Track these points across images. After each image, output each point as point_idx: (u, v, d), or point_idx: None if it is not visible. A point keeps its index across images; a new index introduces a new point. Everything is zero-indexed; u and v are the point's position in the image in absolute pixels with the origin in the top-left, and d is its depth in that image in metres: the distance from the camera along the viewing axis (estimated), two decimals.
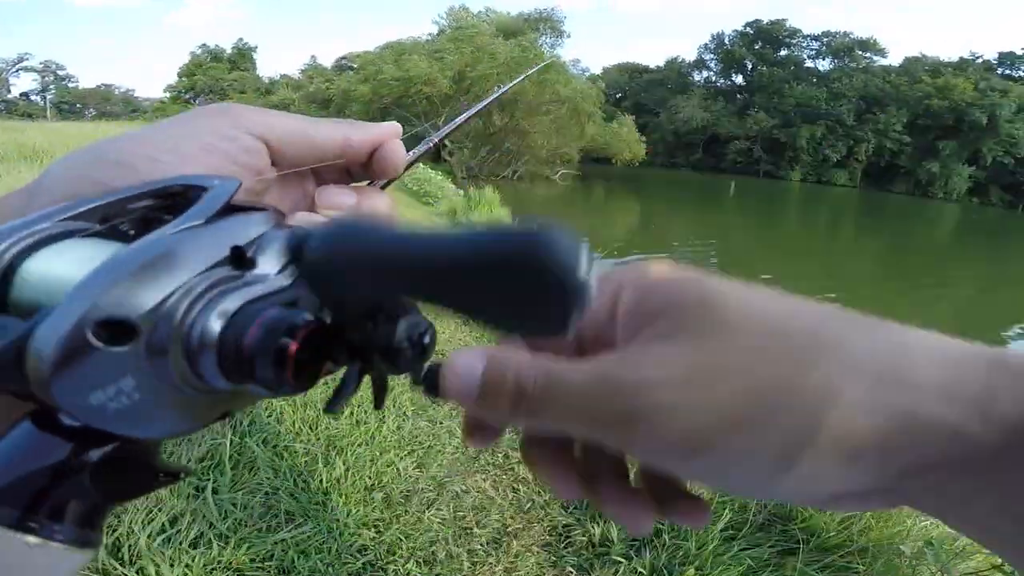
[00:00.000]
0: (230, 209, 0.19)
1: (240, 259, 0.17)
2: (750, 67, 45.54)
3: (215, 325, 0.15)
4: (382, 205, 0.31)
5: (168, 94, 40.52)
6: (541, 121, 22.28)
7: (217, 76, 38.53)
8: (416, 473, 1.73)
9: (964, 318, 8.11)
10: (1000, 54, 40.42)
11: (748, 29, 45.63)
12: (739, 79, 46.81)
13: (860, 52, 41.14)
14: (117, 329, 0.14)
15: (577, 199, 20.66)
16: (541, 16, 30.89)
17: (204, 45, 41.71)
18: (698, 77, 48.87)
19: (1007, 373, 0.16)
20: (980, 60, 40.12)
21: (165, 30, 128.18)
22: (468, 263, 0.14)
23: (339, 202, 0.30)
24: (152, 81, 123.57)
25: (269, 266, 0.18)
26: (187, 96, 38.99)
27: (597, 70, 49.40)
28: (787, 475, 0.17)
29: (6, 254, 0.16)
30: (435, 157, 21.94)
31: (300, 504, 1.48)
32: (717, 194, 27.35)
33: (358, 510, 1.52)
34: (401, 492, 1.63)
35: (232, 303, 0.16)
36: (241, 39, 42.99)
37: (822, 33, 43.24)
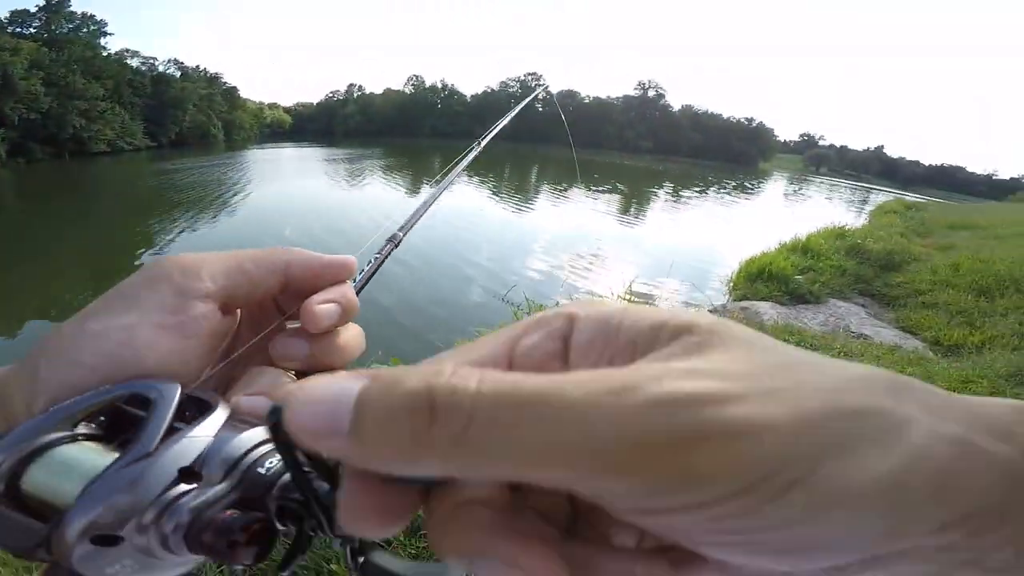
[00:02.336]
0: (182, 410, 0.24)
1: (189, 476, 0.21)
2: None
3: (179, 530, 0.20)
4: (337, 352, 0.30)
5: None
6: None
7: None
8: None
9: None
10: (12, 12, 38.00)
11: None
12: None
13: None
14: (108, 540, 0.20)
15: None
16: None
17: None
18: None
19: None
20: None
21: None
22: None
23: (291, 353, 0.29)
24: None
25: (215, 475, 0.22)
26: None
27: None
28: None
29: (7, 463, 0.21)
30: None
31: None
32: None
33: None
34: None
35: (186, 514, 0.21)
36: None
37: None
